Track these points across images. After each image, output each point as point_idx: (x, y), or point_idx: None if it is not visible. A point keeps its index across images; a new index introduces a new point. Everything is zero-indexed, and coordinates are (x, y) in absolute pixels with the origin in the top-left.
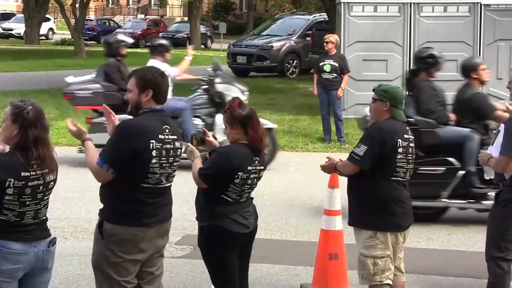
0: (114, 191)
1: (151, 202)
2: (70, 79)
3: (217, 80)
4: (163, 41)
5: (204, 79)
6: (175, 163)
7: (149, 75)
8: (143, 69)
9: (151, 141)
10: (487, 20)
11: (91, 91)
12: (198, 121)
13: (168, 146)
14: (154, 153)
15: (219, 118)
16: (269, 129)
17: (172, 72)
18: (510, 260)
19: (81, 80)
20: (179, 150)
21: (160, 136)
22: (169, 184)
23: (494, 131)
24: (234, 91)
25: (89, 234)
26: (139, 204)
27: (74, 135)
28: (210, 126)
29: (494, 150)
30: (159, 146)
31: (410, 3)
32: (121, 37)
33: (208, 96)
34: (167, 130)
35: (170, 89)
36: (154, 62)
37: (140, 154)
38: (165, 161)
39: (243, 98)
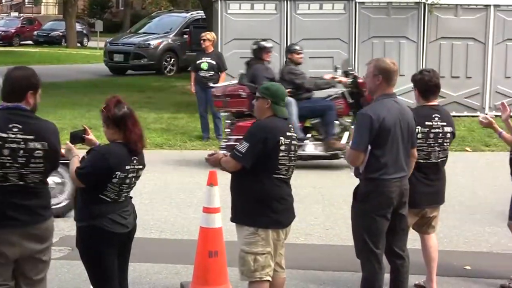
0: None
1: (5, 203)
2: None
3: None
4: None
5: None
6: (31, 164)
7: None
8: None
9: None
10: (361, 18)
11: None
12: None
13: (14, 145)
14: None
15: None
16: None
17: None
18: (379, 253)
19: None
20: (37, 152)
21: (1, 135)
22: (28, 185)
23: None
24: None
25: None
26: None
27: None
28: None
29: None
30: None
31: (287, 1)
32: None
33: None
34: (14, 129)
35: None
36: None
37: None
38: (11, 161)
39: None
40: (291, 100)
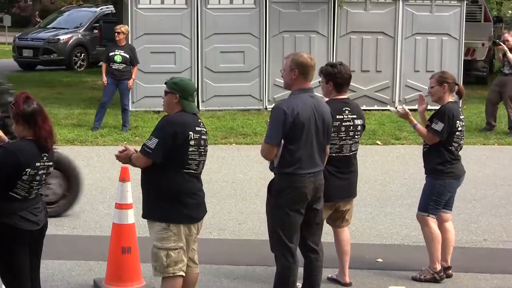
0: None
1: None
2: None
3: None
4: None
5: None
6: None
7: None
8: None
9: None
10: (272, 12)
11: None
12: None
13: None
14: None
15: None
16: None
17: None
18: (293, 247)
19: None
20: None
21: None
22: None
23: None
24: None
25: None
26: None
27: None
28: None
29: None
30: None
31: None
32: None
33: None
34: None
35: None
36: None
37: None
38: None
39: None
40: None
